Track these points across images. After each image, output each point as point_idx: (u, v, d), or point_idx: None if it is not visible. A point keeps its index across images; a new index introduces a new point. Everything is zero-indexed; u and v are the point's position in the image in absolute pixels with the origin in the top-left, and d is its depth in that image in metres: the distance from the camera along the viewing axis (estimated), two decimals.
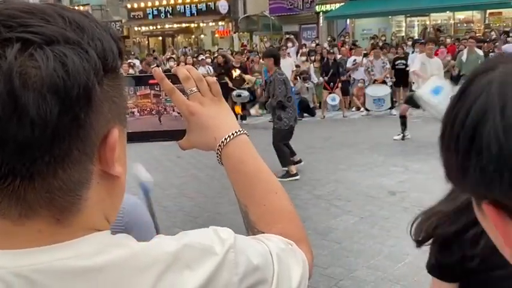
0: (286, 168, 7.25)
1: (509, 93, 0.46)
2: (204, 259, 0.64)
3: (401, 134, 9.33)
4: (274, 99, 7.19)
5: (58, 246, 0.58)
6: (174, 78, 0.88)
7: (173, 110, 0.93)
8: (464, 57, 11.18)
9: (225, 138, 0.87)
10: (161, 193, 6.65)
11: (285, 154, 7.31)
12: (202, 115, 0.88)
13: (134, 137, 0.90)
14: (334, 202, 6.11)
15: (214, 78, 0.94)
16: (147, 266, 0.60)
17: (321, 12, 22.17)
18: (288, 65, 12.64)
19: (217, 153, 0.88)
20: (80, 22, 0.58)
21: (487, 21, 19.38)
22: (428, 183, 5.84)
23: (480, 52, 11.14)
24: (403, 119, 9.37)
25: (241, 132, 0.89)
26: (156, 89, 0.92)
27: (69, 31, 0.56)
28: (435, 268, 1.68)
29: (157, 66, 13.96)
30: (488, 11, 19.36)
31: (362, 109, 13.41)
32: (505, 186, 0.45)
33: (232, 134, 0.88)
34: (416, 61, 9.50)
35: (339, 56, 14.00)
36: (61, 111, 0.53)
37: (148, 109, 0.93)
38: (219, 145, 0.88)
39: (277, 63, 7.34)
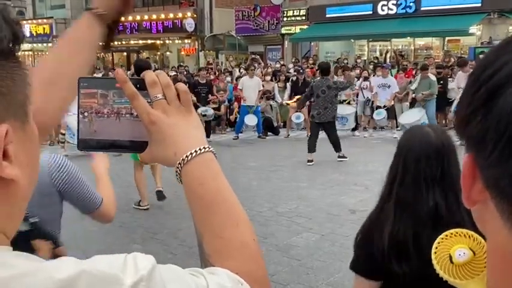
0: None
1: None
2: None
3: None
4: None
5: None
6: (142, 84, 0.79)
7: (130, 114, 0.81)
8: (415, 85, 11.57)
9: (187, 156, 0.76)
10: (121, 208, 6.52)
11: None
12: (163, 125, 0.77)
13: (88, 145, 0.81)
14: (295, 219, 6.13)
15: (186, 86, 0.83)
16: None
17: (286, 35, 22.55)
18: (254, 84, 12.75)
19: (176, 171, 0.78)
20: None
21: (445, 48, 20.11)
22: None
23: (433, 77, 11.53)
24: None
25: (207, 149, 0.78)
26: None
27: None
28: (359, 263, 1.79)
29: None
30: (447, 38, 20.12)
31: None
32: (494, 160, 0.42)
33: (195, 152, 0.77)
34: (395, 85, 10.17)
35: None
36: None
37: (94, 111, 0.80)
38: (179, 162, 0.77)
39: None
